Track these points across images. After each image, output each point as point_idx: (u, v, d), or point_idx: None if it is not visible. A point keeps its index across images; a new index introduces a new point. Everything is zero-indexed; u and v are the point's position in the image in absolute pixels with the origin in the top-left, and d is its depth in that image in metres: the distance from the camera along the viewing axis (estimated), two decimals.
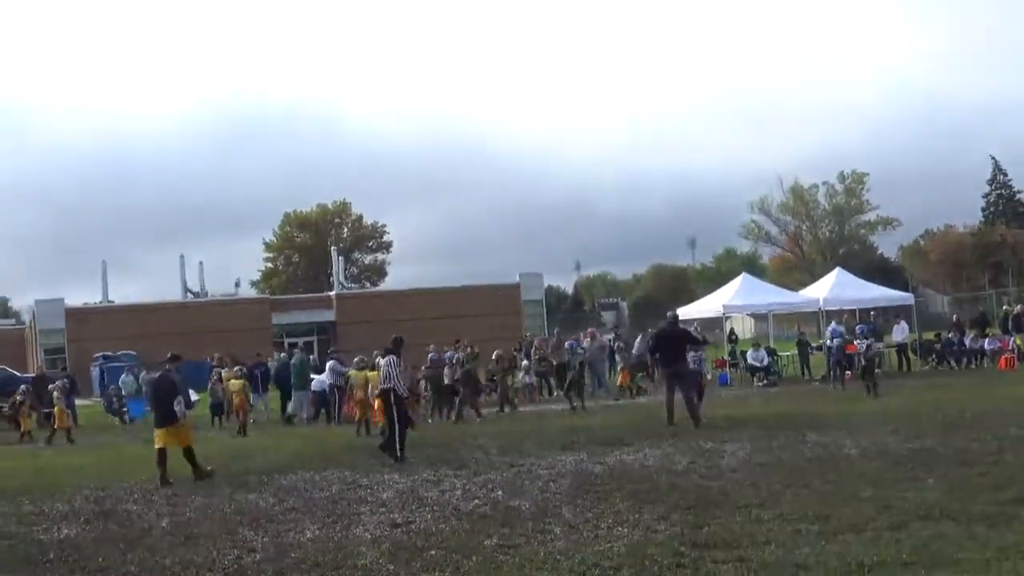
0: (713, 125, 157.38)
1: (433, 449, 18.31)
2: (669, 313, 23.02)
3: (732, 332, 37.91)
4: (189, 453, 16.35)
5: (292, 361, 29.59)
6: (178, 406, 16.54)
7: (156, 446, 16.30)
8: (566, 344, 30.26)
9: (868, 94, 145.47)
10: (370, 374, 22.27)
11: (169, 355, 17.71)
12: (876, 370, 25.90)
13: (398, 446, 16.81)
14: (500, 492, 12.96)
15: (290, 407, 28.65)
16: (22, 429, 27.34)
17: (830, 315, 36.74)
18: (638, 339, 37.74)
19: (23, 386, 30.76)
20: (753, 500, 11.15)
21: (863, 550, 8.55)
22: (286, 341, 63.42)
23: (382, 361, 18.12)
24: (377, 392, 17.77)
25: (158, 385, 17.09)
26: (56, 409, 26.51)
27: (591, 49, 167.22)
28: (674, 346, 20.53)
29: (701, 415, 19.66)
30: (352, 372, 24.34)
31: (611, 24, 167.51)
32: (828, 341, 29.49)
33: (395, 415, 17.13)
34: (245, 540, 10.85)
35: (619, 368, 32.23)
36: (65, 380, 30.94)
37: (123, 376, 33.83)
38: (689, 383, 20.31)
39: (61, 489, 15.88)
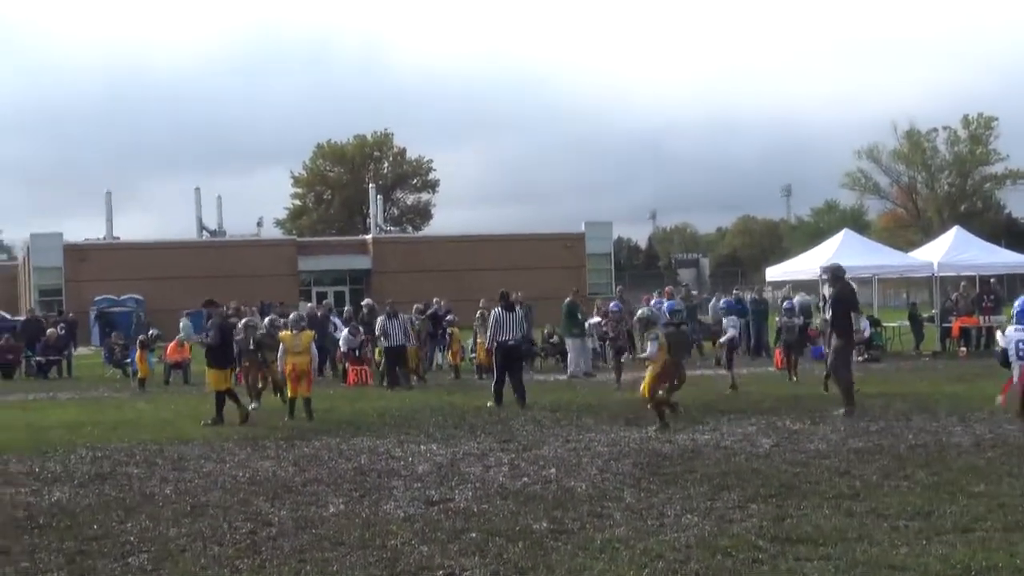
0: (815, 59, 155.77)
1: (476, 418, 18.45)
2: (835, 263, 21.11)
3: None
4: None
5: (566, 302, 28.67)
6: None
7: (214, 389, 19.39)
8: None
9: (1002, 27, 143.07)
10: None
11: (206, 299, 21.39)
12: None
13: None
14: (553, 470, 13.03)
15: (570, 364, 28.25)
16: (140, 376, 27.82)
17: (944, 281, 36.36)
18: (711, 303, 37.62)
19: (152, 331, 31.40)
20: (845, 491, 11.13)
21: (970, 553, 8.53)
22: (314, 290, 64.04)
23: (503, 314, 20.92)
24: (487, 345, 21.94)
25: (228, 329, 20.28)
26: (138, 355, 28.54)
27: None
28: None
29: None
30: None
31: None
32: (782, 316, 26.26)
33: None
34: (260, 512, 11.01)
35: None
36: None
37: (182, 320, 33.79)
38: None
39: (54, 447, 16.17)
